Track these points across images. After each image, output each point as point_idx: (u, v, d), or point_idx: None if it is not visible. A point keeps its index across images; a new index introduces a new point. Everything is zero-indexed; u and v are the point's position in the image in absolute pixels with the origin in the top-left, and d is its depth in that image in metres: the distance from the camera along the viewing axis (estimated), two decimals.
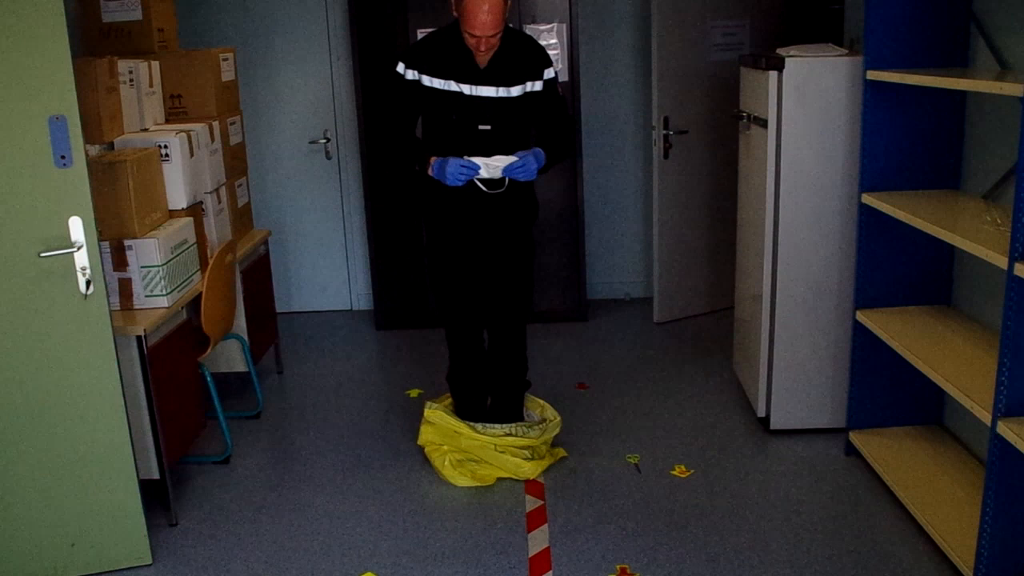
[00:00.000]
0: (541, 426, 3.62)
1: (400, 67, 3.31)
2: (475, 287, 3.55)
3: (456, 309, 3.59)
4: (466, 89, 3.28)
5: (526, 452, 3.53)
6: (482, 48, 3.19)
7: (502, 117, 3.33)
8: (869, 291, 3.45)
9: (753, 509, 3.26)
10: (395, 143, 3.45)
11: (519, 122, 3.39)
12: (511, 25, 3.43)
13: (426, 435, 3.59)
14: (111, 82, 3.48)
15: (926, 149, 3.33)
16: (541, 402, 3.80)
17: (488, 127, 3.32)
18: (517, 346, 3.66)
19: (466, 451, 3.54)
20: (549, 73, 3.38)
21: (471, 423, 3.55)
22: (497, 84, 3.29)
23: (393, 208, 5.15)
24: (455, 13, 3.19)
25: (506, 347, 3.64)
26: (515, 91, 3.32)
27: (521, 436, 3.53)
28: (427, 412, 3.59)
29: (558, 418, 3.69)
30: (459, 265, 3.51)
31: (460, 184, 3.28)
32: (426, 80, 3.29)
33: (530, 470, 3.50)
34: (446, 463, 3.53)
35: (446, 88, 3.28)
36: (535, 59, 3.37)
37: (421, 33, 4.87)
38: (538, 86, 3.36)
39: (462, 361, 3.66)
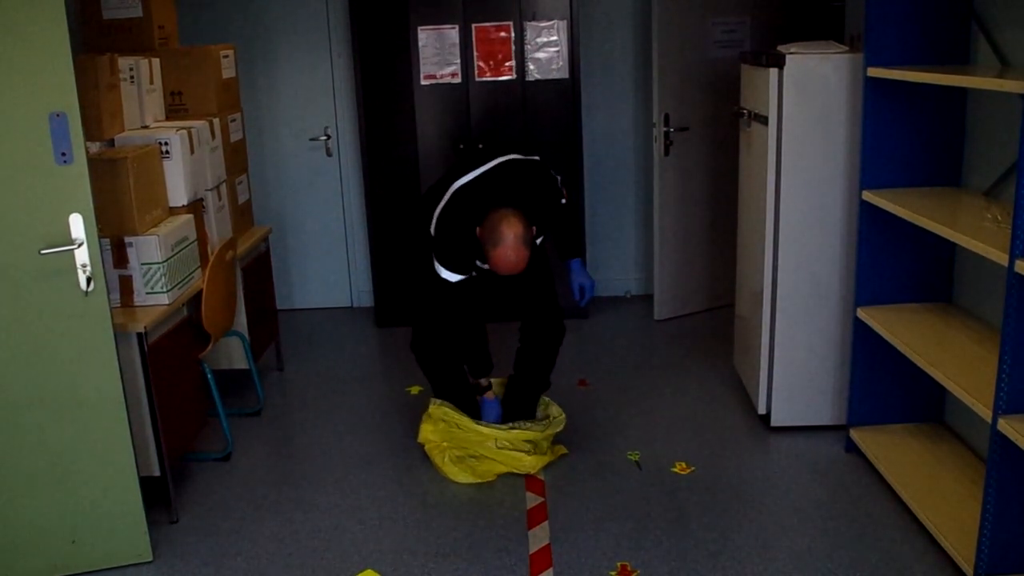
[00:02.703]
0: (545, 422, 3.62)
1: (445, 273, 3.33)
2: (486, 308, 3.56)
3: (440, 338, 3.63)
4: None
5: (528, 446, 3.53)
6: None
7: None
8: (870, 288, 3.44)
9: (754, 506, 3.27)
10: (450, 348, 3.58)
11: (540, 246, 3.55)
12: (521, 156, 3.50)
13: (426, 433, 3.59)
14: (112, 79, 3.48)
15: (927, 146, 3.33)
16: (545, 399, 3.80)
17: None
18: (551, 350, 3.69)
19: (466, 446, 3.54)
20: (561, 202, 3.50)
21: (475, 419, 3.56)
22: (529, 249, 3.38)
23: (393, 205, 5.15)
24: (480, 239, 3.23)
25: (541, 350, 3.68)
26: (539, 240, 3.46)
27: (525, 429, 3.53)
28: (432, 408, 3.59)
29: (562, 415, 3.68)
30: (464, 306, 3.50)
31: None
32: (476, 270, 3.40)
33: (531, 464, 3.50)
34: (446, 459, 3.53)
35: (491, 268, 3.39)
36: (549, 201, 3.45)
37: (422, 32, 4.88)
38: (553, 214, 3.48)
39: (445, 381, 3.69)
